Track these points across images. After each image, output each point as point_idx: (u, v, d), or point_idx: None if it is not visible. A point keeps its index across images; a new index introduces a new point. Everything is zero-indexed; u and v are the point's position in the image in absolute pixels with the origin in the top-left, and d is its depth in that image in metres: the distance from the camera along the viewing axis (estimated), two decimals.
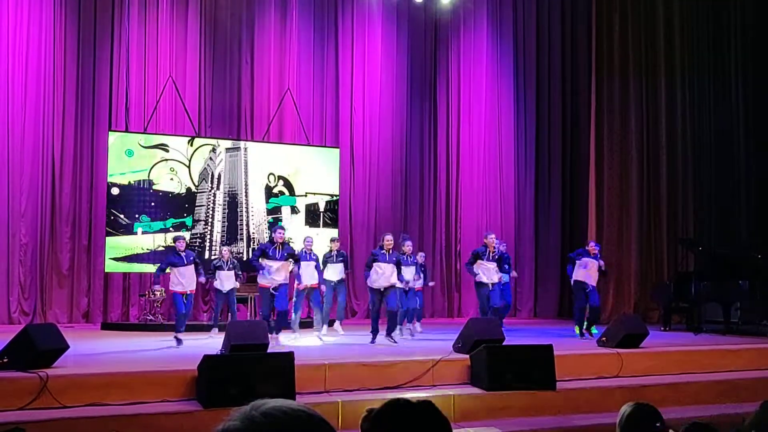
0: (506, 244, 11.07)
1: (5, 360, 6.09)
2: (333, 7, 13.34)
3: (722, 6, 13.85)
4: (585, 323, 9.80)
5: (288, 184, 12.27)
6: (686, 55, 13.61)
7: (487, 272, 9.49)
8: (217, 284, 9.80)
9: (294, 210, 12.28)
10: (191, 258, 9.10)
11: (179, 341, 8.66)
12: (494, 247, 9.59)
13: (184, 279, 8.93)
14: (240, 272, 10.00)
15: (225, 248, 10.26)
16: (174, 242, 9.44)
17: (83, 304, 11.60)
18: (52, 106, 11.55)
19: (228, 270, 9.75)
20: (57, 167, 11.58)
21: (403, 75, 13.67)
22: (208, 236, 11.69)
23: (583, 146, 13.97)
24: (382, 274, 8.80)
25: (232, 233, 11.81)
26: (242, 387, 5.91)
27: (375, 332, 8.85)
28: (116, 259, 11.16)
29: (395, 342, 8.71)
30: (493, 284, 9.47)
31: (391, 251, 8.97)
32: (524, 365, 6.95)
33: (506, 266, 10.44)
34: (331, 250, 9.92)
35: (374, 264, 8.88)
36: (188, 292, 9.01)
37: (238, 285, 10.02)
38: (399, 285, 9.25)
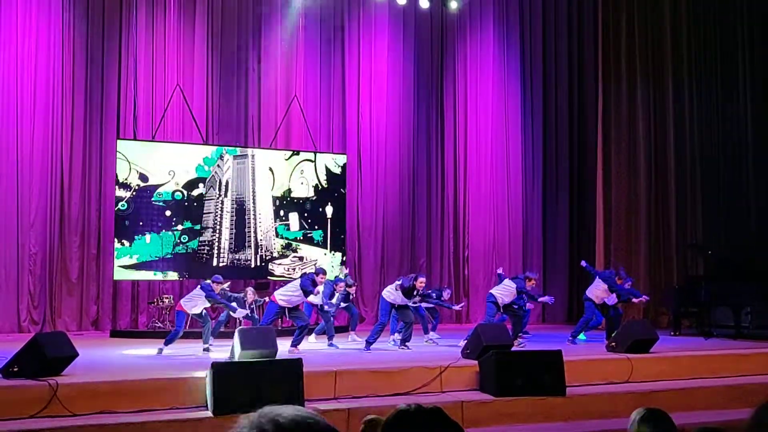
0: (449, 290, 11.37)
1: (15, 368, 6.12)
2: (339, 14, 13.37)
3: (729, 9, 13.81)
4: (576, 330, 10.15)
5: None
6: (693, 59, 13.57)
7: None
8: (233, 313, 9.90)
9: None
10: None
11: (160, 350, 8.70)
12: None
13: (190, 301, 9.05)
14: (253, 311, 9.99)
15: (250, 290, 10.15)
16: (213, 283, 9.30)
17: (92, 312, 11.63)
18: (60, 116, 11.61)
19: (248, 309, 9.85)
20: (66, 176, 11.63)
21: (410, 81, 13.68)
22: (216, 243, 11.71)
23: (591, 151, 13.94)
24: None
25: (239, 240, 11.84)
26: (251, 394, 5.92)
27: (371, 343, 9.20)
28: (125, 267, 11.19)
29: (409, 348, 9.03)
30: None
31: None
32: (533, 371, 6.93)
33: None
34: (334, 292, 10.05)
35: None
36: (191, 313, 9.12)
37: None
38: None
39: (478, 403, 6.63)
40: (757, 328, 10.81)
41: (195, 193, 11.60)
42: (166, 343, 8.75)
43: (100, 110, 11.86)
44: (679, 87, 13.43)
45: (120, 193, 11.09)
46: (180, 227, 11.42)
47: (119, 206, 11.05)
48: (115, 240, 11.16)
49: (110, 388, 6.06)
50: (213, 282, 9.07)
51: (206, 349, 8.88)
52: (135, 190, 11.20)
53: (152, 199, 11.31)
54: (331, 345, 9.41)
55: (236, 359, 6.90)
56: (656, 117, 13.41)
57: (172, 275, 11.47)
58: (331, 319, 9.89)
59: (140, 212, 11.23)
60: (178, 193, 11.47)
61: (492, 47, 14.10)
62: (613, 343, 8.40)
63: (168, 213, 11.38)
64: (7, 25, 11.33)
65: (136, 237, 11.13)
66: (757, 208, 13.42)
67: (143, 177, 11.26)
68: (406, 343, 9.10)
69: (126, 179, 11.14)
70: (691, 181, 13.37)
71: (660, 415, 2.84)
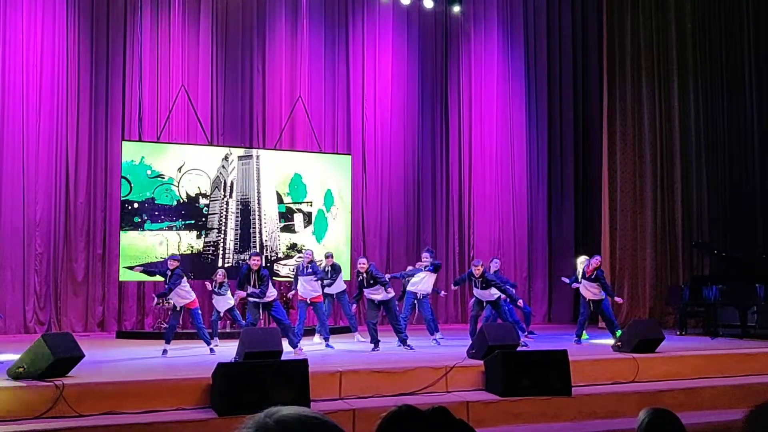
0: (498, 261, 11.18)
1: (21, 369, 6.13)
2: (344, 15, 13.38)
3: (734, 8, 13.77)
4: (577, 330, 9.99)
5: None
6: (698, 56, 13.52)
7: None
8: (214, 305, 9.85)
9: (307, 218, 12.31)
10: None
11: (164, 351, 8.70)
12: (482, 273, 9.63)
13: (180, 294, 8.98)
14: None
15: (220, 271, 10.15)
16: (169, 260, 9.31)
17: (98, 313, 11.66)
18: (66, 116, 11.65)
19: (222, 294, 9.69)
20: (71, 176, 11.67)
21: (415, 81, 13.68)
22: (221, 244, 11.73)
23: (596, 150, 13.91)
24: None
25: (245, 241, 11.85)
26: (256, 394, 5.92)
27: (375, 342, 9.15)
28: (130, 268, 11.21)
29: (412, 348, 8.96)
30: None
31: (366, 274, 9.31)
32: (539, 371, 6.92)
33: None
34: (324, 267, 10.13)
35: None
36: (188, 306, 9.02)
37: (235, 302, 9.85)
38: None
39: (483, 403, 6.62)
40: (764, 328, 10.76)
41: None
42: (167, 341, 8.82)
43: (105, 111, 11.89)
44: (684, 86, 13.38)
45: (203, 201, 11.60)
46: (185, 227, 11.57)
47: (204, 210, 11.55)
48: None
49: (116, 388, 6.07)
50: (170, 259, 9.10)
51: (212, 350, 8.87)
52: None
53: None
54: (327, 346, 9.33)
55: (241, 360, 6.91)
56: (661, 116, 13.37)
57: None
58: (325, 318, 9.83)
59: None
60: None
61: (496, 47, 14.09)
62: (619, 343, 8.38)
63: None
64: (13, 26, 11.39)
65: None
66: (763, 207, 13.37)
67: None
68: (407, 342, 9.07)
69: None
70: (696, 179, 13.32)
71: (667, 416, 2.82)
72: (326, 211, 12.42)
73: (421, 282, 9.81)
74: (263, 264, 9.27)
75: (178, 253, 11.33)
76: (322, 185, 12.39)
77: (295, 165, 12.32)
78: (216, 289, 9.70)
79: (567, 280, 10.50)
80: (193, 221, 11.58)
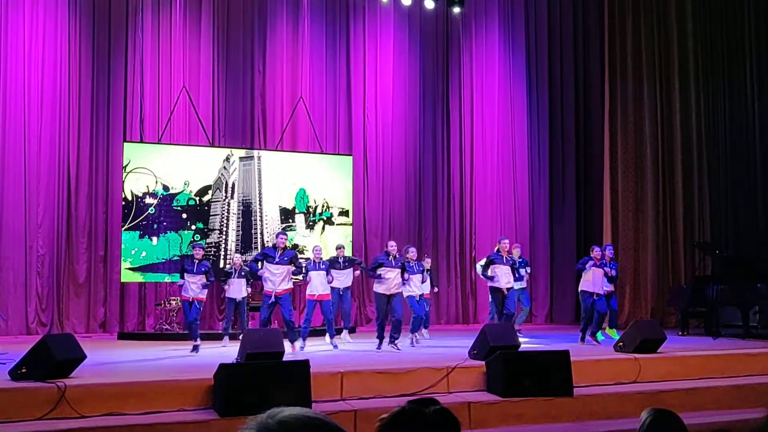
0: (520, 247, 11.21)
1: (23, 370, 6.14)
2: (345, 15, 13.39)
3: (735, 7, 13.76)
4: (591, 329, 9.73)
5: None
6: (700, 56, 13.53)
7: (503, 276, 9.53)
8: (228, 293, 9.85)
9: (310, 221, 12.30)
10: (202, 269, 9.16)
11: (195, 348, 8.78)
12: (508, 252, 9.63)
13: (192, 286, 9.02)
14: (250, 281, 9.99)
15: (237, 256, 10.31)
16: (192, 249, 9.52)
17: (100, 314, 11.67)
18: (67, 118, 11.67)
19: (239, 278, 9.77)
20: (73, 178, 11.68)
21: (416, 81, 13.68)
22: (223, 245, 11.74)
23: (597, 150, 13.91)
24: (388, 280, 9.07)
25: (246, 242, 11.86)
26: (258, 395, 5.92)
27: (381, 339, 9.02)
28: (132, 269, 11.23)
29: (398, 349, 8.80)
30: (507, 289, 9.48)
31: (397, 257, 9.16)
32: (541, 371, 6.91)
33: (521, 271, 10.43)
34: (337, 257, 10.16)
35: (380, 270, 9.09)
36: (198, 299, 9.10)
37: (249, 291, 10.05)
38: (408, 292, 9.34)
39: (485, 403, 6.61)
40: (766, 328, 10.75)
41: (204, 198, 11.75)
42: (192, 338, 8.96)
43: (107, 112, 11.91)
44: (685, 85, 13.39)
45: (149, 200, 11.44)
46: (193, 227, 11.59)
47: (149, 210, 11.41)
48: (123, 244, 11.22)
49: (118, 389, 6.07)
50: (194, 249, 9.37)
51: (194, 347, 8.91)
52: (160, 197, 11.50)
53: (172, 204, 11.55)
54: (333, 346, 9.33)
55: (243, 361, 6.91)
56: (663, 115, 13.38)
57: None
58: (332, 317, 9.84)
59: (160, 216, 11.49)
60: (192, 200, 11.69)
61: (498, 46, 14.09)
62: (621, 343, 8.38)
63: (184, 216, 11.59)
64: (14, 28, 11.40)
65: (161, 235, 11.45)
66: (764, 207, 13.36)
67: (166, 187, 11.56)
68: (394, 342, 8.98)
69: (153, 189, 11.48)
70: (698, 180, 13.32)
71: (669, 416, 2.82)
72: (297, 212, 12.30)
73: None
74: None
75: (179, 254, 11.36)
76: (292, 185, 12.23)
77: (270, 166, 12.18)
78: (234, 274, 9.77)
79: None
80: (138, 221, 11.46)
